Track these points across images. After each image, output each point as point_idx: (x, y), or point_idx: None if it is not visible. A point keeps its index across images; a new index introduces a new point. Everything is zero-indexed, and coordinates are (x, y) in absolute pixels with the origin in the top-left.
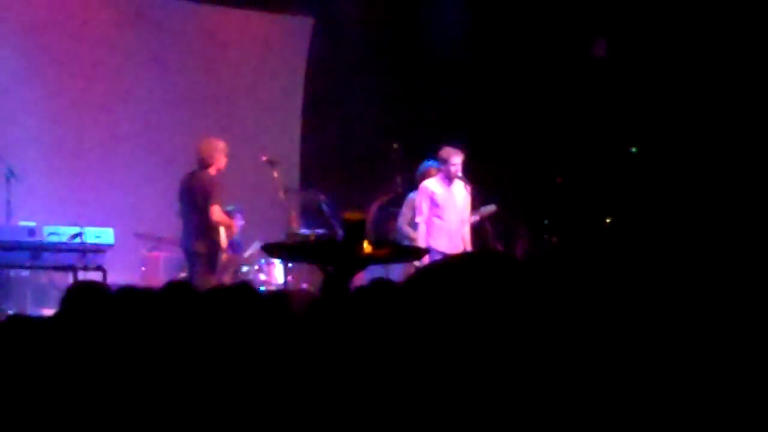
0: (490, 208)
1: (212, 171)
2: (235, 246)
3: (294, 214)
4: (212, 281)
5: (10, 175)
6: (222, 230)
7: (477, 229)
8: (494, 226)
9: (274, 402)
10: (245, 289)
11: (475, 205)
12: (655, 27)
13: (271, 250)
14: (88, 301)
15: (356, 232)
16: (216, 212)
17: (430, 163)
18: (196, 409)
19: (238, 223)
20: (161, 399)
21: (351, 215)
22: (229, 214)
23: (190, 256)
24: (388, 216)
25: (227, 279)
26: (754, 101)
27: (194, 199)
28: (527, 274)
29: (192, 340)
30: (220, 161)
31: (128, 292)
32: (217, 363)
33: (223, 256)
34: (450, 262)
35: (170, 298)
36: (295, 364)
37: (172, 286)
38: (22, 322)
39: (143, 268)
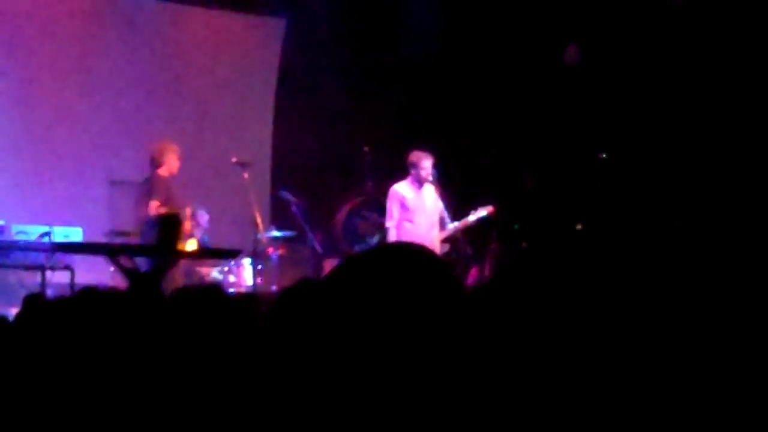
0: (488, 209)
1: (163, 171)
2: (203, 244)
3: (259, 215)
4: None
5: None
6: None
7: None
8: (464, 232)
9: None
10: (213, 291)
11: (456, 210)
12: (626, 33)
13: (91, 249)
14: (47, 303)
15: (170, 229)
16: (153, 207)
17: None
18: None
19: (202, 220)
20: (122, 406)
21: (164, 212)
22: (192, 213)
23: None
24: (359, 219)
25: (195, 280)
26: (726, 105)
27: (141, 198)
28: (444, 270)
29: (157, 343)
30: (171, 162)
31: (90, 293)
32: (183, 367)
33: None
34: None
35: (134, 300)
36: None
37: (136, 287)
38: None
39: (112, 268)
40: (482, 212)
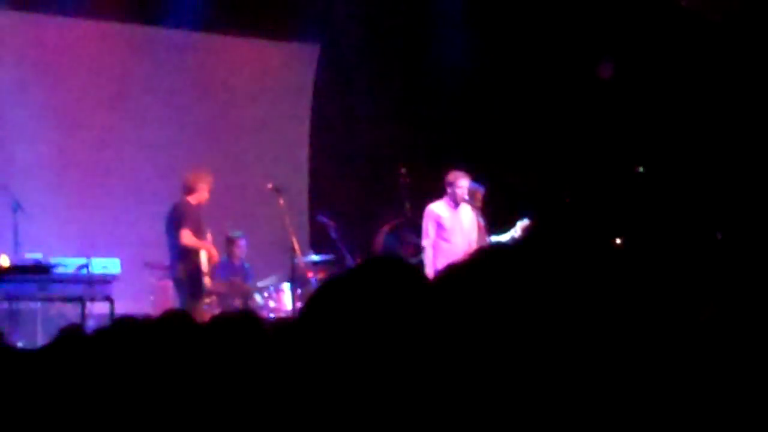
0: (524, 224)
1: (192, 199)
2: (243, 272)
3: (296, 240)
4: (198, 306)
5: (17, 207)
6: (203, 254)
7: None
8: None
9: None
10: (247, 317)
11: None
12: (661, 47)
13: None
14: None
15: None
16: (185, 236)
17: (474, 186)
18: None
19: (241, 249)
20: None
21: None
22: (231, 240)
23: (174, 282)
24: (397, 240)
25: (237, 305)
26: (760, 120)
27: (171, 225)
28: (422, 281)
29: (189, 371)
30: (202, 191)
31: (125, 322)
32: (216, 394)
33: (207, 281)
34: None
35: (167, 328)
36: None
37: (169, 316)
38: (14, 355)
39: (152, 297)
40: (520, 226)
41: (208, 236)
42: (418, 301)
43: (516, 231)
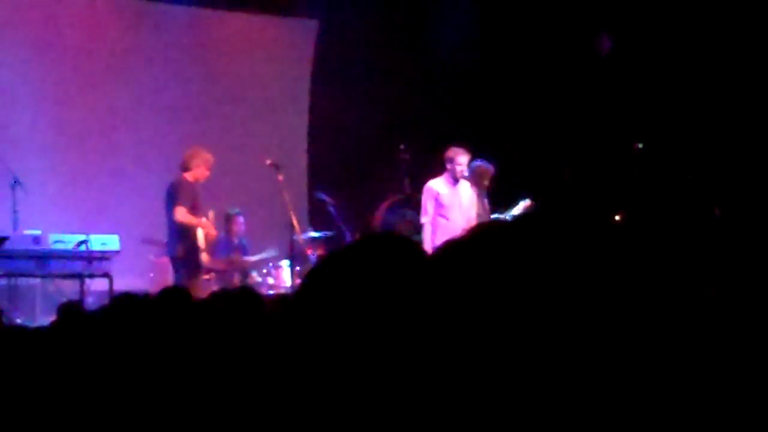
0: (526, 204)
1: (189, 176)
2: (241, 249)
3: (295, 217)
4: (195, 283)
5: (16, 183)
6: (199, 232)
7: None
8: None
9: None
10: (245, 294)
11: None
12: (660, 22)
13: None
14: (81, 310)
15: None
16: (179, 213)
17: (485, 164)
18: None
19: (239, 226)
20: (154, 408)
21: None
22: (229, 217)
23: (171, 259)
24: (396, 217)
25: (235, 282)
26: (760, 96)
27: (168, 202)
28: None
29: (188, 346)
30: (199, 170)
31: (124, 299)
32: (215, 370)
33: (203, 258)
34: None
35: (166, 305)
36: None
37: (168, 292)
38: (14, 332)
39: (151, 274)
40: (522, 206)
41: (211, 214)
42: (416, 277)
43: (518, 210)
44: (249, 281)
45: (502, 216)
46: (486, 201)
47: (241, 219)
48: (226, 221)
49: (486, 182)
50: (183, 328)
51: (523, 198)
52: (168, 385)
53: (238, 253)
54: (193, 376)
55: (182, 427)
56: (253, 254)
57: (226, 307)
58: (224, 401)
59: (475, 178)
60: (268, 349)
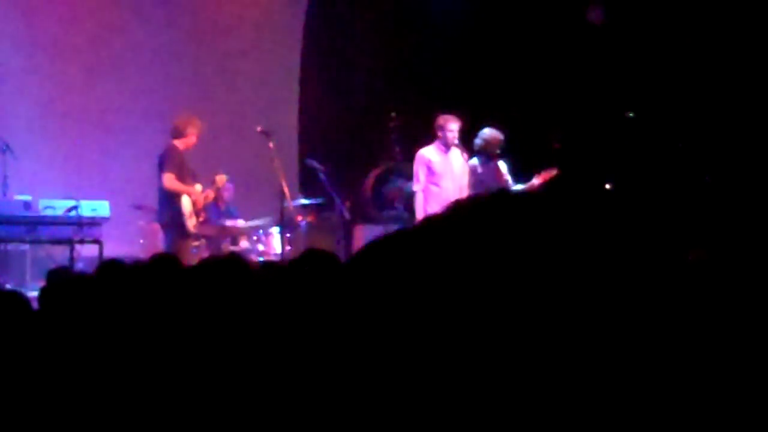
0: (551, 172)
1: (179, 144)
2: (229, 215)
3: (285, 184)
4: (184, 249)
5: (6, 149)
6: (185, 199)
7: None
8: None
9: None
10: (234, 262)
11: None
12: None
13: None
14: (71, 276)
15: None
16: (167, 179)
17: (490, 130)
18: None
19: (228, 192)
20: (145, 376)
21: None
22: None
23: (161, 226)
24: (387, 185)
25: (225, 248)
26: (752, 64)
27: (158, 169)
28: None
29: (176, 314)
30: (190, 136)
31: (113, 266)
32: (204, 337)
33: (191, 224)
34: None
35: (155, 272)
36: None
37: (157, 260)
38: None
39: (142, 240)
40: (547, 175)
41: (219, 180)
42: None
43: (540, 178)
44: (239, 248)
45: (523, 185)
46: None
47: (229, 185)
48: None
49: (497, 150)
50: (171, 296)
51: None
52: (155, 351)
53: (227, 219)
54: (181, 343)
55: (169, 393)
56: (244, 220)
57: (214, 275)
58: (211, 368)
59: (485, 145)
60: (256, 316)
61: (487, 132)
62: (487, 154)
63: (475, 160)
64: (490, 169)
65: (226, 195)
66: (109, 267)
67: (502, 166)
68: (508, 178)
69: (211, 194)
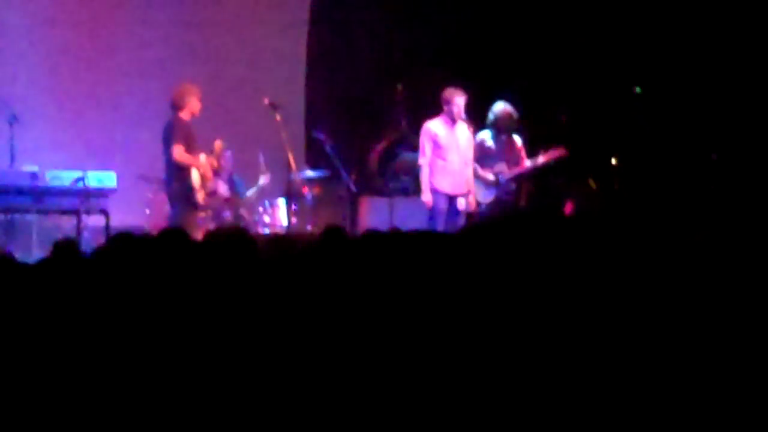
0: (560, 151)
1: (184, 115)
2: (231, 184)
3: (292, 156)
4: (191, 220)
5: (13, 120)
6: (194, 171)
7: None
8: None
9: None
10: (240, 235)
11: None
12: None
13: None
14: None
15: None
16: (177, 152)
17: (502, 105)
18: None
19: (227, 161)
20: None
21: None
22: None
23: (168, 197)
24: (393, 157)
25: (229, 219)
26: (760, 42)
27: (165, 141)
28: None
29: (182, 287)
30: (192, 105)
31: (123, 238)
32: (210, 311)
33: (200, 196)
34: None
35: (164, 245)
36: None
37: (167, 233)
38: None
39: (148, 211)
40: (553, 154)
41: (217, 146)
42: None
43: (547, 156)
44: (242, 217)
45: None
46: (509, 142)
47: (228, 154)
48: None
49: (514, 125)
50: (178, 269)
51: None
52: (160, 325)
53: (230, 189)
54: (187, 317)
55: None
56: (248, 188)
57: (219, 248)
58: (216, 341)
59: (496, 121)
60: (262, 293)
61: (499, 106)
62: (498, 128)
63: (485, 134)
64: (501, 144)
65: (226, 164)
66: (117, 240)
67: (517, 140)
68: (523, 153)
69: (214, 162)
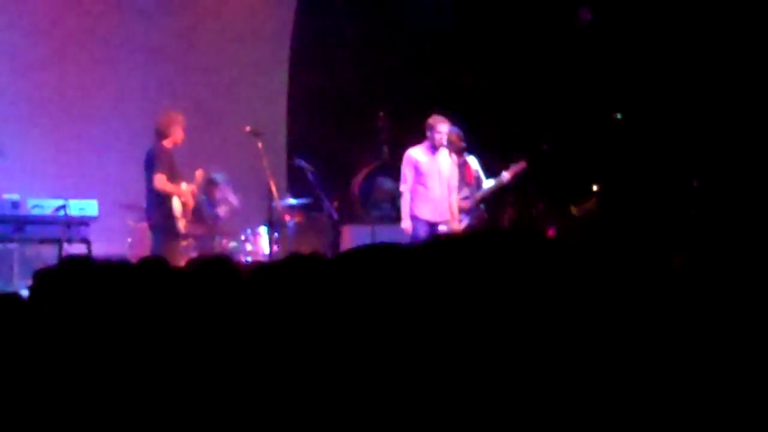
0: (520, 165)
1: (167, 143)
2: (214, 216)
3: (274, 183)
4: (173, 249)
5: None
6: (175, 200)
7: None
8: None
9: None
10: (222, 262)
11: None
12: None
13: None
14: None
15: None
16: (158, 180)
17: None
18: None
19: (220, 194)
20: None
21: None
22: (213, 182)
23: (150, 227)
24: (375, 184)
25: (213, 248)
26: (740, 67)
27: (146, 169)
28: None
29: (164, 315)
30: (176, 134)
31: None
32: (192, 339)
33: (181, 225)
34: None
35: (144, 274)
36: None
37: (147, 262)
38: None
39: (130, 239)
40: (516, 168)
41: (198, 175)
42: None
43: (510, 172)
44: (227, 248)
45: (487, 183)
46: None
47: (223, 186)
48: (208, 185)
49: (456, 146)
50: (159, 298)
51: (517, 161)
52: (142, 353)
53: (216, 218)
54: (168, 344)
55: (159, 397)
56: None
57: (202, 276)
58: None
59: (448, 143)
60: (245, 318)
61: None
62: (455, 152)
63: None
64: (459, 167)
65: (219, 195)
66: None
67: (473, 161)
68: (481, 173)
69: (195, 190)
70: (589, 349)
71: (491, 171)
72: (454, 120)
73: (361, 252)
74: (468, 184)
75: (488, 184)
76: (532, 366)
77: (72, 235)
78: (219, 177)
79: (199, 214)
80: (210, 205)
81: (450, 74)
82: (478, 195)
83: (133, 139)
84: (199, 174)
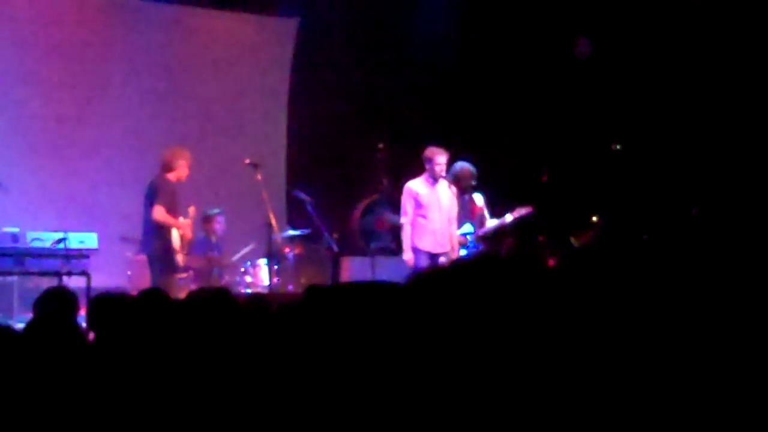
0: (527, 209)
1: (171, 177)
2: (217, 248)
3: (274, 216)
4: (171, 282)
5: None
6: (174, 232)
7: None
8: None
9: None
10: (221, 294)
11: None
12: (637, 24)
13: None
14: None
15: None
16: (157, 213)
17: (461, 164)
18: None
19: (220, 226)
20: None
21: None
22: (209, 217)
23: (148, 258)
24: (374, 216)
25: (212, 280)
26: (738, 97)
27: (147, 201)
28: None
29: (167, 347)
30: (181, 169)
31: (102, 299)
32: (192, 369)
33: (179, 258)
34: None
35: (144, 306)
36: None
37: (147, 294)
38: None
39: (129, 272)
40: (521, 212)
41: (191, 210)
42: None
43: (514, 215)
44: (226, 280)
45: (490, 222)
46: (477, 203)
47: (221, 218)
48: (205, 221)
49: (472, 182)
50: (160, 329)
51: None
52: (143, 383)
53: (216, 252)
54: (170, 374)
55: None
56: (228, 253)
57: (201, 308)
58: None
59: (457, 180)
60: (244, 348)
61: (459, 166)
62: (459, 188)
63: None
64: (465, 204)
65: (218, 228)
66: (99, 301)
67: (478, 198)
68: (485, 211)
69: (191, 224)
70: (587, 374)
71: (488, 203)
72: (453, 152)
73: (359, 286)
74: (471, 220)
75: (491, 223)
76: (531, 391)
77: (72, 267)
78: (215, 212)
79: (197, 247)
80: (207, 240)
81: (450, 106)
82: (480, 232)
83: (133, 172)
84: (191, 210)
